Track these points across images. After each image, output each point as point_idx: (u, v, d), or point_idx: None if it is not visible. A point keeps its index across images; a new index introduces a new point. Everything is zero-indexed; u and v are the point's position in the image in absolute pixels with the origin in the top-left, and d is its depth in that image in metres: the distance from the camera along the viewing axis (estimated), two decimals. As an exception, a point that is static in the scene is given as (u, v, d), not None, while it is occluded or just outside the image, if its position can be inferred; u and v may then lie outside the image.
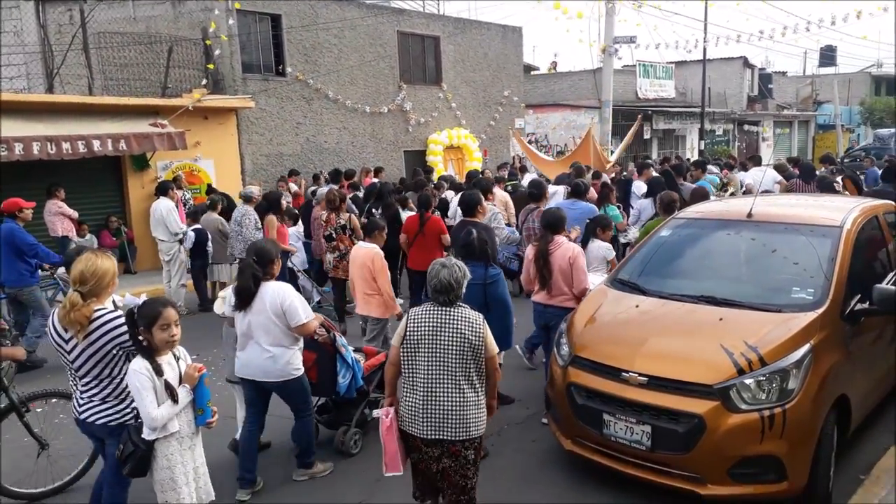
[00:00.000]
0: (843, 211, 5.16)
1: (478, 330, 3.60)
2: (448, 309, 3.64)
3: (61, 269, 8.07)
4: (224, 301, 4.77)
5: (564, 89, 28.33)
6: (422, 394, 3.59)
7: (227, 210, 11.11)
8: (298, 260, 9.41)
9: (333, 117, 15.87)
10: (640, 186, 10.38)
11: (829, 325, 4.27)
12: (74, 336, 3.54)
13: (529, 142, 23.64)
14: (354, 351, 5.22)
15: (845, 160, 21.63)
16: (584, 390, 4.43)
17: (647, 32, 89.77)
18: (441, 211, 10.16)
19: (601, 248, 6.43)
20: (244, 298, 4.45)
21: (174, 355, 3.58)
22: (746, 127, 33.17)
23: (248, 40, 14.16)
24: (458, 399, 3.56)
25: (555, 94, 28.02)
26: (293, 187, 13.15)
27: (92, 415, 3.66)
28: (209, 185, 12.78)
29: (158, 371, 3.44)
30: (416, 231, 7.78)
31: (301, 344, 4.66)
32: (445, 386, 3.56)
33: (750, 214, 5.20)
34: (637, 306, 4.81)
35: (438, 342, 3.58)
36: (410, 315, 3.72)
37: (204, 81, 13.05)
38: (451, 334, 3.58)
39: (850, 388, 4.37)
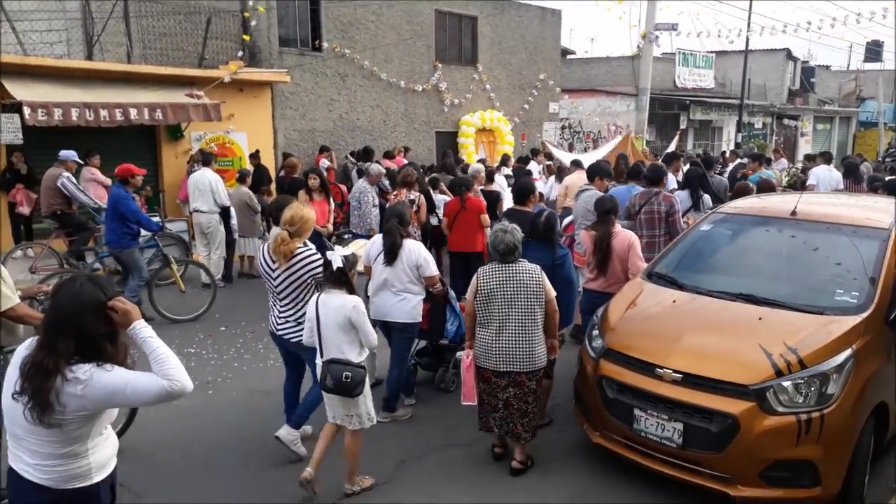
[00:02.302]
0: (890, 213, 5.00)
1: (537, 279, 4.44)
2: (511, 265, 4.45)
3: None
4: (362, 256, 5.43)
5: (601, 75, 27.88)
6: (494, 335, 4.46)
7: (260, 183, 11.18)
8: None
9: (367, 95, 15.80)
10: (670, 179, 10.18)
11: (873, 331, 4.15)
12: (280, 265, 4.48)
13: (563, 127, 23.40)
14: None
15: (886, 160, 21.04)
16: (616, 384, 4.37)
17: (689, 20, 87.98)
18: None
19: None
20: (394, 253, 5.16)
21: None
22: (785, 121, 32.44)
23: (285, 14, 14.11)
24: (524, 337, 4.42)
25: (591, 79, 27.59)
26: (325, 162, 13.17)
27: (287, 333, 4.62)
28: (255, 152, 12.57)
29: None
30: (457, 212, 7.72)
31: (422, 295, 5.34)
32: (513, 327, 4.42)
33: (794, 212, 5.06)
34: (673, 301, 4.72)
35: (506, 293, 4.42)
36: (480, 273, 4.55)
37: (240, 54, 13.05)
38: (515, 285, 4.42)
39: (891, 396, 4.26)
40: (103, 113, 10.19)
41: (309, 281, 4.53)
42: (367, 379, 4.21)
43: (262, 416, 5.46)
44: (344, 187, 11.52)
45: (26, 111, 9.45)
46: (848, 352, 3.96)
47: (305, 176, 9.13)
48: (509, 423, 4.55)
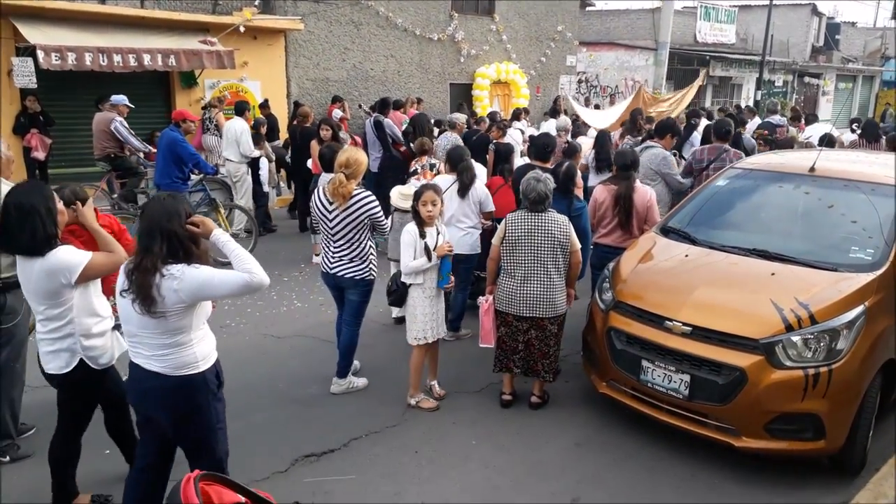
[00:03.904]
0: (911, 171, 4.93)
1: (564, 230, 4.58)
2: (541, 214, 4.57)
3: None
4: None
5: (620, 28, 27.29)
6: (519, 281, 4.60)
7: (272, 132, 11.14)
8: None
9: (381, 44, 15.57)
10: (695, 136, 10.06)
11: (886, 288, 4.14)
12: (337, 206, 4.68)
13: (580, 81, 23.02)
14: None
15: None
16: (625, 335, 4.40)
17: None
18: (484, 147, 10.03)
19: None
20: (468, 188, 5.79)
21: (437, 231, 4.73)
22: (807, 79, 31.75)
23: (300, -41, 13.85)
24: (547, 284, 4.58)
25: (610, 32, 27.03)
26: (338, 112, 13.07)
27: (341, 270, 4.83)
28: (265, 101, 12.58)
29: (422, 235, 4.64)
30: (500, 186, 7.68)
31: (479, 230, 5.97)
32: (538, 275, 4.57)
33: (812, 169, 5.00)
34: (686, 255, 4.71)
35: (533, 241, 4.55)
36: (508, 220, 4.68)
37: (256, 0, 12.87)
38: (543, 234, 4.55)
39: (900, 354, 4.27)
40: (117, 58, 10.16)
41: (365, 221, 4.76)
42: (409, 302, 4.79)
43: (273, 360, 5.58)
44: (359, 138, 11.44)
45: (40, 55, 9.43)
46: (860, 308, 3.96)
47: (318, 126, 9.09)
48: (530, 361, 4.74)
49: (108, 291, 3.63)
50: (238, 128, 9.34)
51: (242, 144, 9.33)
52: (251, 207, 9.59)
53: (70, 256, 3.19)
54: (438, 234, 4.77)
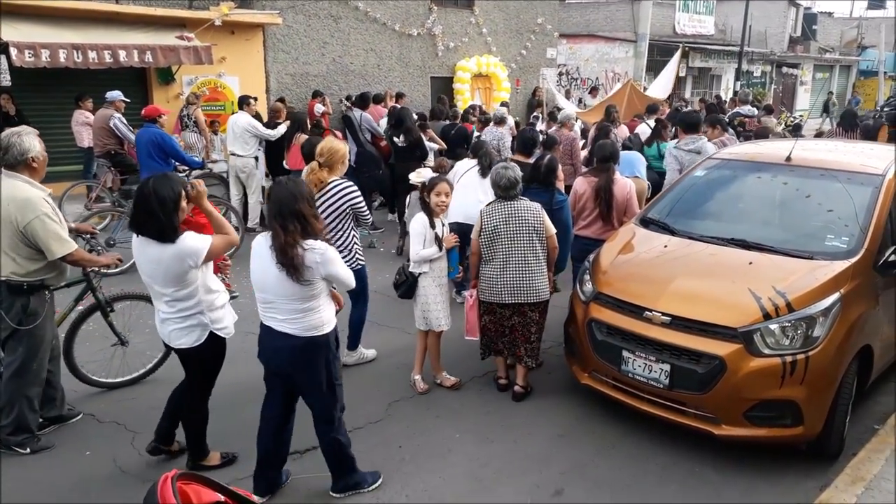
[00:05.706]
0: (885, 160, 5.00)
1: (538, 216, 4.66)
2: (513, 202, 4.67)
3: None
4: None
5: (600, 20, 27.27)
6: (498, 269, 4.68)
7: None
8: None
9: (361, 38, 15.47)
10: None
11: (861, 275, 4.20)
12: (317, 197, 4.65)
13: (560, 73, 23.04)
14: None
15: (885, 109, 20.85)
16: (605, 326, 4.43)
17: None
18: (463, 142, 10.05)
19: None
20: (488, 171, 6.05)
21: (442, 223, 4.89)
22: (785, 69, 31.99)
23: (277, -47, 13.71)
24: (526, 271, 4.65)
25: (590, 24, 27.01)
26: (319, 108, 12.99)
27: None
28: (250, 98, 12.42)
29: (432, 225, 4.79)
30: None
31: None
32: (517, 262, 4.64)
33: (789, 158, 5.05)
34: (665, 246, 4.75)
35: (509, 229, 4.63)
36: (484, 212, 4.77)
37: (232, -6, 12.74)
38: (517, 222, 4.64)
39: (875, 339, 4.34)
40: (92, 55, 9.99)
41: (347, 210, 4.83)
42: (420, 292, 4.89)
43: (255, 358, 5.50)
44: (340, 133, 11.38)
45: (13, 52, 9.25)
46: (835, 296, 4.01)
47: (293, 122, 9.10)
48: (513, 346, 4.86)
49: (217, 269, 3.90)
50: (243, 121, 9.41)
51: (260, 132, 9.41)
52: (262, 201, 9.68)
53: (195, 242, 3.54)
54: (443, 225, 4.91)
